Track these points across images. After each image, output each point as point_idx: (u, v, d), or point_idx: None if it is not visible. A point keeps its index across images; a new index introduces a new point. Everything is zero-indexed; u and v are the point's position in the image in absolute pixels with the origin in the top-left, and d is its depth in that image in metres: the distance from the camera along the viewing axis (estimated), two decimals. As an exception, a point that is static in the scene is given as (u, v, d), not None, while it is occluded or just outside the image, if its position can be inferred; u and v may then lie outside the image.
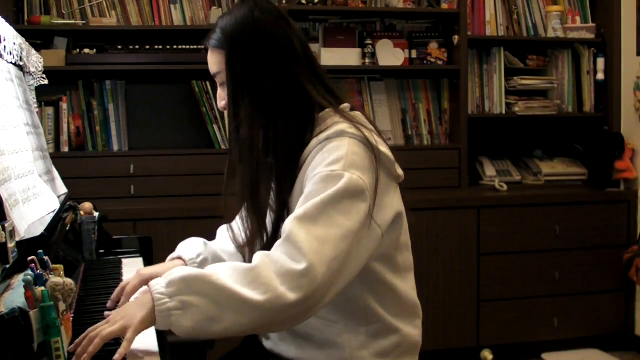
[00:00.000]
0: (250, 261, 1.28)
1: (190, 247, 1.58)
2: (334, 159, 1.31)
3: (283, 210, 1.42)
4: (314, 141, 1.39)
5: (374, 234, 1.34)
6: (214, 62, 1.45)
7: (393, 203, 1.39)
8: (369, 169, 1.33)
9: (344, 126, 1.37)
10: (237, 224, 1.57)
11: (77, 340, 1.17)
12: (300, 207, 1.29)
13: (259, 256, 1.26)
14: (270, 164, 1.41)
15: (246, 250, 1.51)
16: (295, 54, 1.42)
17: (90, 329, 1.19)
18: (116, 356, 1.13)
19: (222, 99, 1.47)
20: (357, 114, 1.46)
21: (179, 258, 1.57)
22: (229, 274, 1.22)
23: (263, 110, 1.40)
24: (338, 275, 1.26)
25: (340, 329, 1.42)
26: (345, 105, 1.48)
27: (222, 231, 1.69)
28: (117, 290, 1.46)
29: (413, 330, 1.49)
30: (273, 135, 1.39)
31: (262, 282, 1.20)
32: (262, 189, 1.40)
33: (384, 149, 1.39)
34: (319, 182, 1.30)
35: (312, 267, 1.20)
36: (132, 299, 1.37)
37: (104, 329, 1.17)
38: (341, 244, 1.25)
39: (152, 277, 1.37)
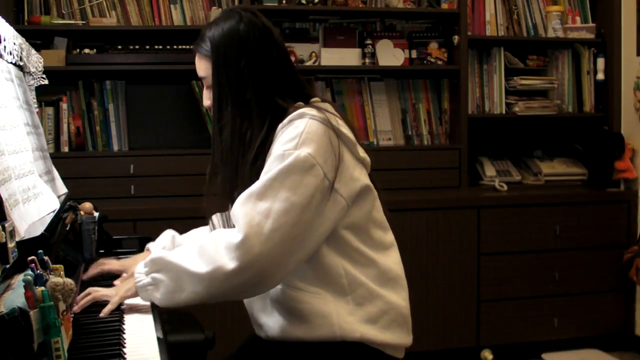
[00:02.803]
0: None
1: (159, 240, 1.83)
2: (289, 137, 1.42)
3: None
4: (279, 126, 1.48)
5: (338, 205, 1.44)
6: (202, 67, 1.58)
7: (360, 178, 1.49)
8: (326, 147, 1.42)
9: (305, 109, 1.47)
10: (217, 219, 1.65)
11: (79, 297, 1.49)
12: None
13: (210, 235, 1.43)
14: (249, 163, 1.49)
15: None
16: (274, 64, 1.53)
17: (91, 289, 1.51)
18: (101, 314, 1.44)
19: (207, 99, 1.60)
20: (326, 105, 1.54)
21: (149, 250, 1.83)
22: (185, 252, 1.42)
23: (243, 114, 1.52)
24: (288, 244, 1.35)
25: (327, 298, 1.47)
26: (315, 99, 1.56)
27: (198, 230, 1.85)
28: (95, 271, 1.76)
29: (398, 299, 1.54)
30: (249, 137, 1.50)
31: (207, 256, 1.36)
32: (241, 187, 1.46)
33: (345, 130, 1.49)
34: (271, 161, 1.41)
35: (247, 239, 1.32)
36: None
37: (98, 291, 1.50)
38: (284, 217, 1.35)
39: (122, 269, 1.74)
